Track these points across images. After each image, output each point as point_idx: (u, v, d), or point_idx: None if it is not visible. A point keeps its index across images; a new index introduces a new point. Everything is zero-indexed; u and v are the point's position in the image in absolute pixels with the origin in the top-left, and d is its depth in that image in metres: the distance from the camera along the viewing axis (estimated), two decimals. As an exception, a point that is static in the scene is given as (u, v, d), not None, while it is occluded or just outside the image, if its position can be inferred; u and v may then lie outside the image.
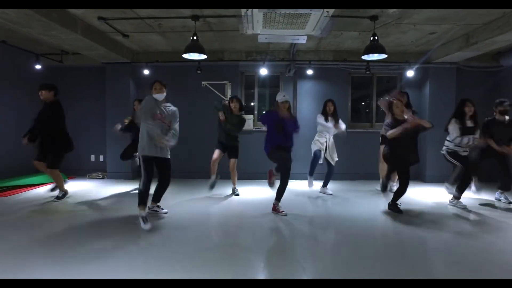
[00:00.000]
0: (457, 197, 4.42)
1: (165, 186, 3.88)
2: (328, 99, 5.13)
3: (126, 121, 5.24)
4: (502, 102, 4.44)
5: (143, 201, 3.58)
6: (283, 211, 4.01)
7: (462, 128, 4.23)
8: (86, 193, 5.18)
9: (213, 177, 4.98)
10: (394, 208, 4.15)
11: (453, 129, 4.29)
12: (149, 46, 6.11)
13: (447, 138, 4.50)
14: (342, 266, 2.65)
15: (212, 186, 5.02)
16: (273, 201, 4.12)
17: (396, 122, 4.03)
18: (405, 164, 4.06)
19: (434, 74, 6.40)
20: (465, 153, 4.37)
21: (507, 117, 4.45)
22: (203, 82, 6.58)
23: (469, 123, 4.27)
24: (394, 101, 4.15)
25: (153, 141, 3.56)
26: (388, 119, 4.31)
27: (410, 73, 6.25)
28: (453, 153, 4.40)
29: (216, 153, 4.98)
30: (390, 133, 3.96)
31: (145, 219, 3.49)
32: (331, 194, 5.15)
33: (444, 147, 4.55)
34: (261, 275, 2.52)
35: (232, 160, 5.09)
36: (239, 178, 6.46)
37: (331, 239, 3.35)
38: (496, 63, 6.25)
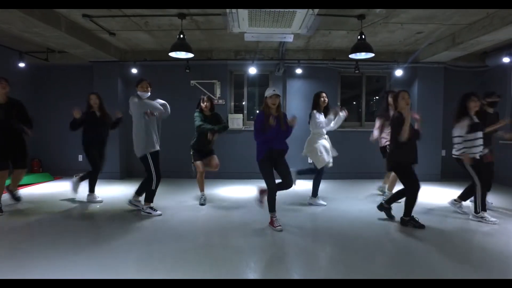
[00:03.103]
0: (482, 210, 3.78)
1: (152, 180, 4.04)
2: (320, 91, 4.47)
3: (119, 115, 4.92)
4: (491, 93, 4.22)
5: (152, 198, 4.02)
6: (278, 226, 3.46)
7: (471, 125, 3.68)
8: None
9: (203, 194, 4.63)
10: (413, 223, 3.57)
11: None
12: (137, 44, 6.04)
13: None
14: (330, 266, 2.64)
15: (203, 204, 4.52)
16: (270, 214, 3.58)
17: (400, 116, 3.47)
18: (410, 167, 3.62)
19: (422, 73, 6.46)
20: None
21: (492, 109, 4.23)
22: (192, 81, 6.53)
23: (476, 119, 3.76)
24: (401, 92, 3.57)
25: (152, 136, 3.89)
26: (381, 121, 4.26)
27: (398, 73, 6.29)
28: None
29: (200, 164, 4.49)
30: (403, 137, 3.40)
31: (154, 208, 3.99)
32: (325, 205, 4.53)
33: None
34: (245, 275, 2.50)
35: (214, 157, 4.62)
36: (229, 178, 6.46)
37: (320, 239, 3.34)
38: (482, 63, 6.33)
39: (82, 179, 4.77)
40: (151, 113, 3.90)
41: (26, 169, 4.40)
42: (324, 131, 4.44)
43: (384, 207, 3.89)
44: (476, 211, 3.77)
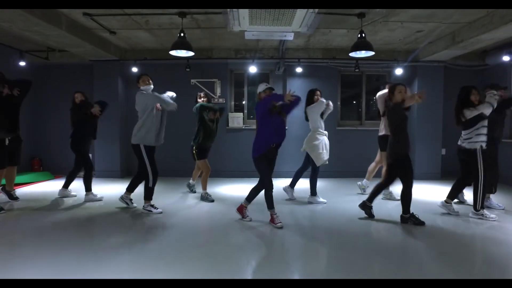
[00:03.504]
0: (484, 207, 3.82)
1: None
2: (315, 88, 4.58)
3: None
4: (496, 86, 4.09)
5: (151, 196, 4.01)
6: (279, 223, 3.46)
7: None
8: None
9: (206, 192, 4.67)
10: (414, 220, 3.57)
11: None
12: (137, 43, 6.04)
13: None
14: (330, 265, 2.65)
15: (213, 200, 4.60)
16: (269, 211, 3.55)
17: (395, 106, 3.54)
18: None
19: (422, 72, 6.46)
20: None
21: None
22: (192, 80, 6.53)
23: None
24: (398, 86, 3.59)
25: (152, 132, 3.86)
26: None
27: (398, 71, 6.29)
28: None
29: (206, 163, 4.65)
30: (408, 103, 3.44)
31: (155, 206, 4.00)
32: (325, 202, 4.51)
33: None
34: (246, 272, 2.51)
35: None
36: (230, 177, 6.47)
37: (320, 237, 3.35)
38: (482, 62, 6.34)
39: (66, 186, 4.80)
40: (160, 108, 3.91)
41: (17, 165, 4.44)
42: (323, 125, 4.46)
43: (367, 205, 3.81)
44: (476, 208, 3.78)
